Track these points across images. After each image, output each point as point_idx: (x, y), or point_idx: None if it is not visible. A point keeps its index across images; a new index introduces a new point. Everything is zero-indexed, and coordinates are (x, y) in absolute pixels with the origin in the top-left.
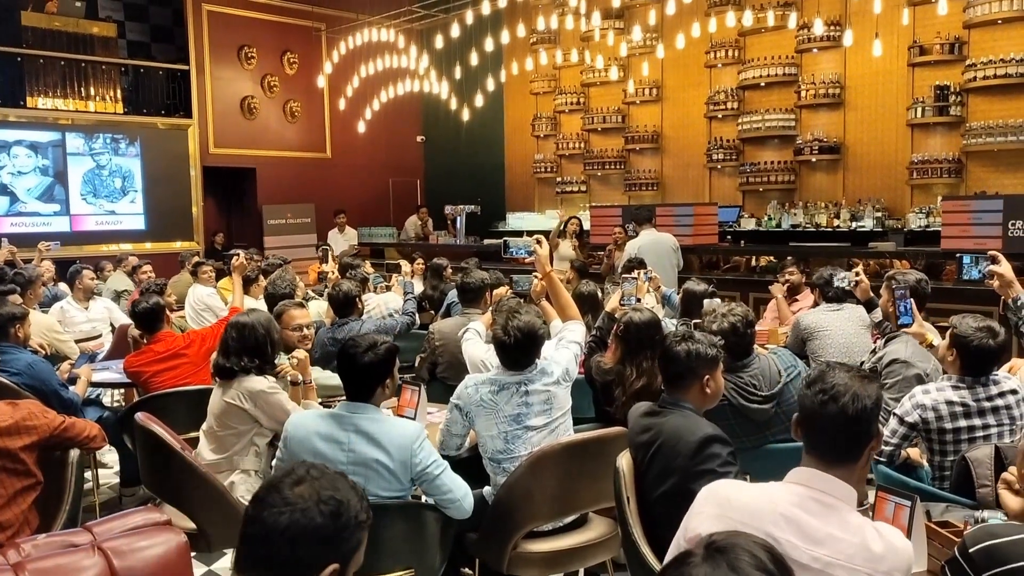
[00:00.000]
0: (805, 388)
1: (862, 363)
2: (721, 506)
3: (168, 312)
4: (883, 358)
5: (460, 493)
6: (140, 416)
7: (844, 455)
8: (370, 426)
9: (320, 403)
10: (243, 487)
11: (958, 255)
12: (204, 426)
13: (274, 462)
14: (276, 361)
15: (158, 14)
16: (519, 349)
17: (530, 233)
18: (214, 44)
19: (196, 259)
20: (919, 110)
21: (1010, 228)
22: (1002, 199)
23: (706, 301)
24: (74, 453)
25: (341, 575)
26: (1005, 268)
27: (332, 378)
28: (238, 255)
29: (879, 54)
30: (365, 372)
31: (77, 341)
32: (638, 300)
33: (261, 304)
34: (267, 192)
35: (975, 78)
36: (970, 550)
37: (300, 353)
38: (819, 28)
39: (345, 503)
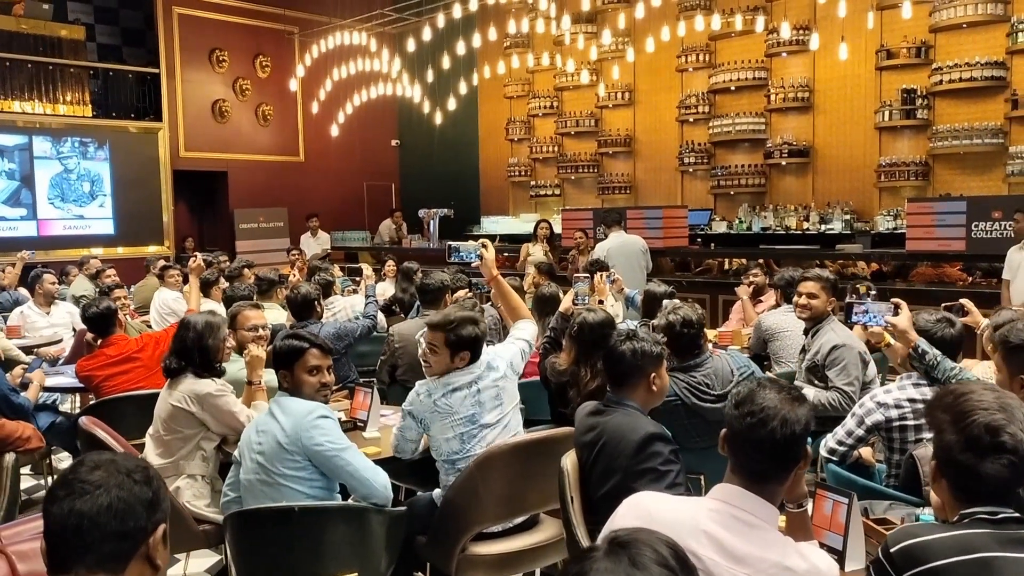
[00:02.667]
0: (733, 408)
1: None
2: (642, 519)
3: (121, 315)
4: (819, 350)
5: (368, 473)
6: (84, 421)
7: (770, 477)
8: (276, 406)
9: None
10: (189, 492)
11: (846, 303)
12: (150, 430)
13: (234, 453)
14: (225, 364)
15: (128, 17)
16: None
17: (496, 238)
18: (185, 47)
19: (162, 263)
20: (886, 113)
21: (973, 229)
22: (965, 201)
23: (666, 302)
24: (9, 458)
25: (165, 532)
26: (901, 319)
27: None
28: (195, 258)
29: (846, 58)
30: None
31: (38, 346)
32: (601, 302)
33: (220, 307)
34: (239, 196)
35: (941, 81)
36: (891, 550)
37: (253, 350)
38: (786, 32)
39: (148, 467)
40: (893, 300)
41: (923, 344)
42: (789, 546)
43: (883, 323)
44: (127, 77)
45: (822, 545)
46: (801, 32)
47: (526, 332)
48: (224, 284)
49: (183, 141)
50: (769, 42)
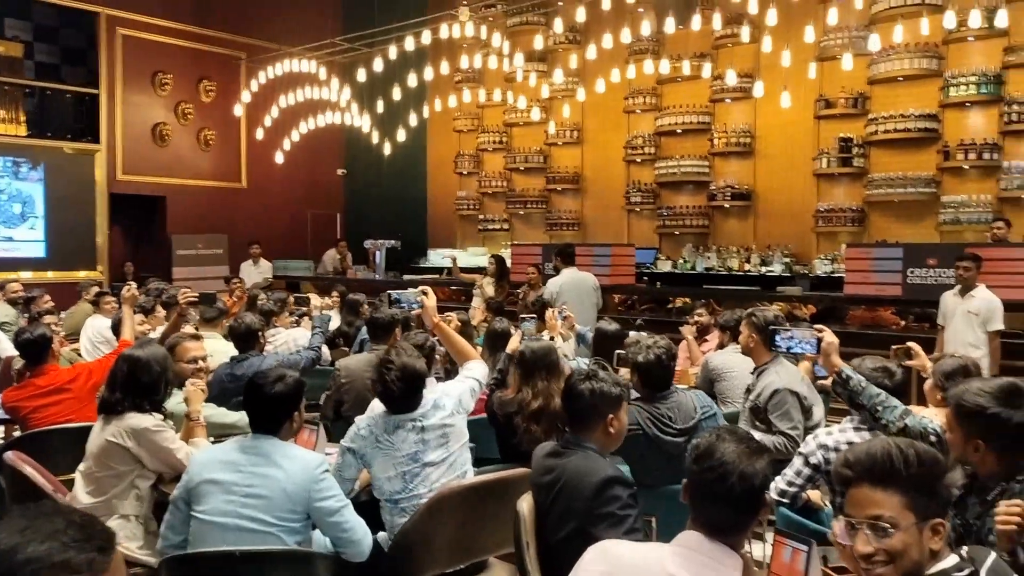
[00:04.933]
0: (692, 462)
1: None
2: (610, 563)
3: (55, 344)
4: (762, 393)
5: (360, 533)
6: (10, 456)
7: (730, 529)
8: (273, 450)
9: (212, 442)
10: (122, 533)
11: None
12: (81, 467)
13: (174, 492)
14: (169, 401)
15: (69, 36)
16: (404, 395)
17: (449, 272)
18: (127, 69)
19: (96, 289)
20: (824, 161)
21: (909, 275)
22: (902, 247)
23: (632, 333)
24: None
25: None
26: (825, 344)
27: (226, 415)
28: (129, 286)
29: (787, 106)
30: (272, 404)
31: None
32: (552, 338)
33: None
34: (178, 221)
35: (877, 132)
36: None
37: (191, 385)
38: (732, 79)
39: (85, 517)
40: (816, 326)
41: (847, 370)
42: None
43: (808, 350)
44: (65, 97)
45: None
46: (745, 80)
47: (476, 372)
48: (162, 312)
49: (121, 164)
50: (714, 88)
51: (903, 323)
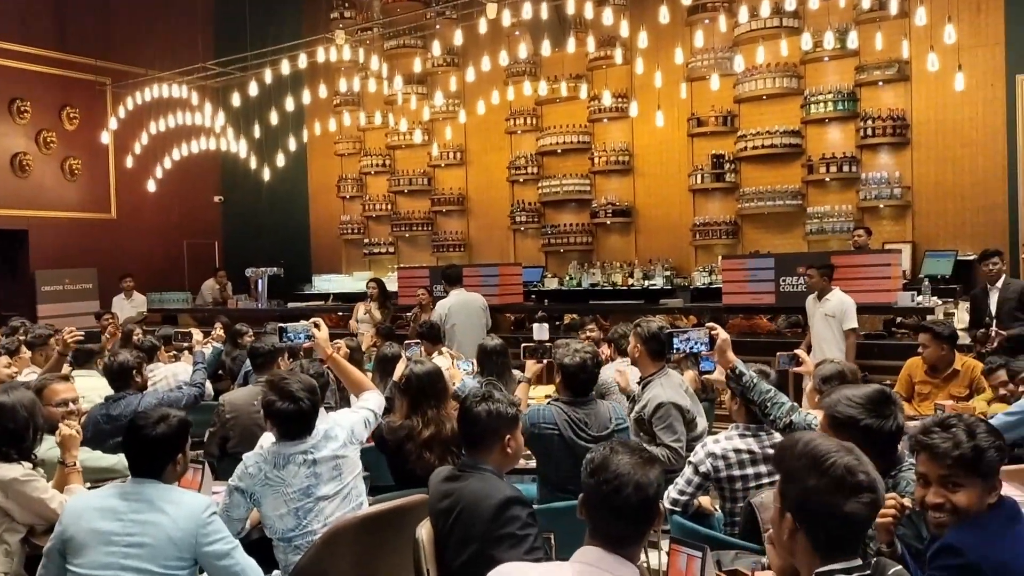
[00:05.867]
0: (588, 476)
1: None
2: None
3: None
4: (647, 405)
5: (253, 575)
6: None
7: (628, 540)
8: (155, 493)
9: (88, 487)
10: None
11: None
12: None
13: (48, 544)
14: (39, 448)
15: None
16: (299, 416)
17: (337, 296)
18: None
19: None
20: (699, 176)
21: (781, 284)
22: (773, 258)
23: (535, 325)
24: None
25: None
26: (718, 341)
27: (102, 459)
28: None
29: (661, 125)
30: (155, 446)
31: None
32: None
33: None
34: (42, 256)
35: (746, 148)
36: None
37: (65, 429)
38: (608, 100)
39: None
40: (708, 324)
41: (740, 366)
42: None
43: (703, 348)
44: None
45: None
46: (620, 100)
47: (371, 403)
48: (26, 353)
49: None
50: (591, 108)
51: (777, 329)
